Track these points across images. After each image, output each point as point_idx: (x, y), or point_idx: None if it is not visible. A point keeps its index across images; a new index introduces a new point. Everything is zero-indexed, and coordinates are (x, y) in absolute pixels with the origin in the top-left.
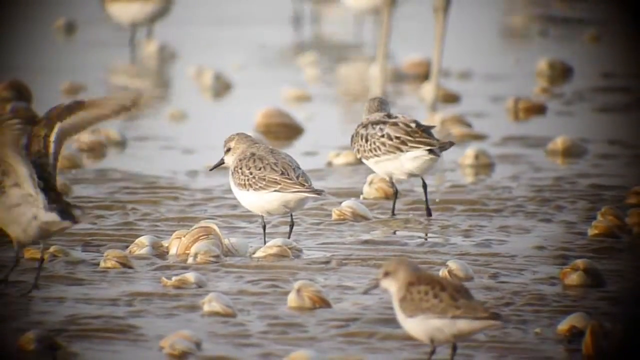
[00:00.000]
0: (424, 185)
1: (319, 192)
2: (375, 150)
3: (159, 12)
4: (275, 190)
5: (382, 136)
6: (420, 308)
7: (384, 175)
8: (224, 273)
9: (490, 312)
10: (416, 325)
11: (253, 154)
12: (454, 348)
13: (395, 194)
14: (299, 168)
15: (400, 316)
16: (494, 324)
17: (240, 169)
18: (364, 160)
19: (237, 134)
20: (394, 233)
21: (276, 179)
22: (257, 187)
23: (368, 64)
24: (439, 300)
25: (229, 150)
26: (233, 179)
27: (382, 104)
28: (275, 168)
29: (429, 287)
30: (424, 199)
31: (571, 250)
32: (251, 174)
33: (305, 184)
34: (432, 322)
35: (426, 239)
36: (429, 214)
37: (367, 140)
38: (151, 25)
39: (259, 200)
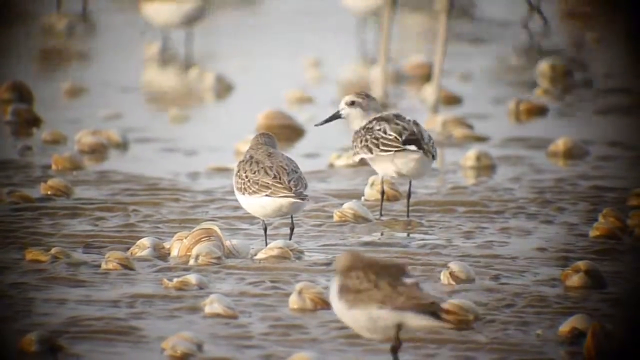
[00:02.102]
0: (409, 194)
1: (302, 196)
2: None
3: (195, 14)
4: (266, 195)
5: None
6: (360, 299)
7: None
8: (225, 275)
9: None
10: (357, 318)
11: (251, 157)
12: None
13: (382, 195)
14: (295, 172)
15: (340, 308)
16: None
17: (239, 172)
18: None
19: (258, 133)
20: (395, 235)
21: (268, 183)
22: (251, 191)
23: (369, 65)
24: (377, 288)
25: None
26: (234, 182)
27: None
28: (269, 172)
29: (364, 273)
30: (425, 199)
31: (572, 251)
32: (247, 177)
33: (293, 188)
34: (374, 313)
35: (427, 241)
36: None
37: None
38: (189, 28)
39: (254, 204)
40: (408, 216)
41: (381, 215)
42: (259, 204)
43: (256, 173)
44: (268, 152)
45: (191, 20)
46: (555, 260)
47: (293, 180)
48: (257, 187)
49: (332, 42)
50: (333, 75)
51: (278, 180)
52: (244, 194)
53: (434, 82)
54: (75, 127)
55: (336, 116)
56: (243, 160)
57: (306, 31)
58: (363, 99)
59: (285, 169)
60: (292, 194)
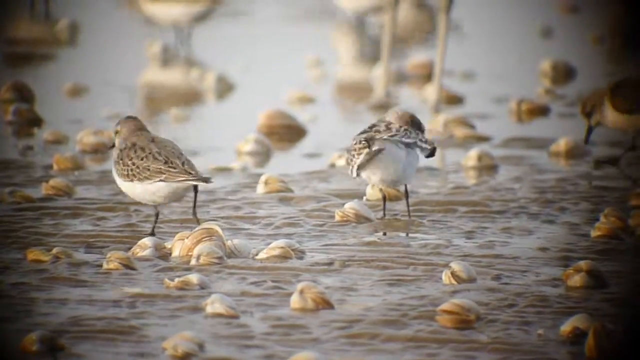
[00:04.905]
0: (406, 192)
1: (206, 179)
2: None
3: (203, 15)
4: (160, 180)
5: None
6: None
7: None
8: (226, 274)
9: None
10: None
11: (134, 144)
12: None
13: (384, 198)
14: (183, 155)
15: None
16: None
17: (122, 159)
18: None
19: (124, 117)
20: (397, 234)
21: (161, 168)
22: (141, 177)
23: (368, 65)
24: None
25: (116, 133)
26: (115, 170)
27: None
28: (159, 157)
29: None
30: (426, 199)
31: (574, 251)
32: (134, 164)
33: (192, 171)
34: None
35: (429, 241)
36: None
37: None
38: (194, 27)
39: (144, 191)
40: (410, 216)
41: (384, 215)
42: (151, 190)
43: (144, 159)
44: (150, 138)
45: (198, 20)
46: (557, 260)
47: (185, 164)
48: (148, 173)
49: (334, 41)
50: (334, 75)
51: (171, 164)
52: (132, 180)
53: (435, 81)
54: (76, 127)
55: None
56: (125, 148)
57: (307, 30)
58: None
59: (173, 153)
60: (194, 177)
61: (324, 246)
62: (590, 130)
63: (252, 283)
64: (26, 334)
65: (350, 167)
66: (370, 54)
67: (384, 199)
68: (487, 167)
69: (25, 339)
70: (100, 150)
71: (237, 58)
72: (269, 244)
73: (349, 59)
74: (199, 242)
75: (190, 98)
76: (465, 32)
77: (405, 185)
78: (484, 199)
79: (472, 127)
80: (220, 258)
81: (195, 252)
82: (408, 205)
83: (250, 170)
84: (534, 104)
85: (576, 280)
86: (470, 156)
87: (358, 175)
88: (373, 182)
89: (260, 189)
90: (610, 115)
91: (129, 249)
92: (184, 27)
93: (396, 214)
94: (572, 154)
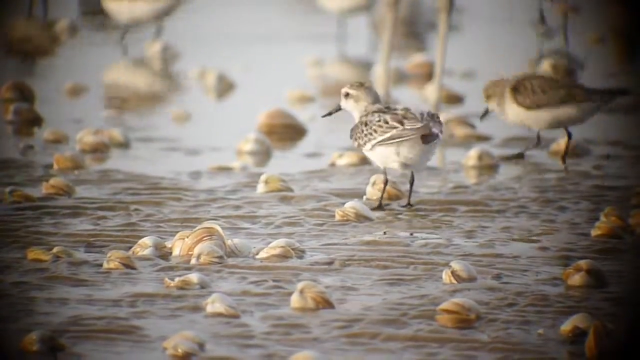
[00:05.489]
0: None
1: None
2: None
3: (166, 11)
4: None
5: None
6: None
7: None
8: (227, 274)
9: None
10: None
11: None
12: None
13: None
14: None
15: None
16: None
17: None
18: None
19: None
20: (397, 234)
21: None
22: None
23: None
24: None
25: None
26: None
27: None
28: None
29: None
30: (427, 199)
31: (574, 250)
32: None
33: None
34: None
35: (429, 240)
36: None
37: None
38: (159, 23)
39: None
40: (409, 204)
41: (380, 205)
42: None
43: None
44: None
45: (160, 17)
46: (557, 259)
47: None
48: None
49: (334, 41)
50: (335, 74)
51: None
52: None
53: (435, 81)
54: (76, 127)
55: (337, 108)
56: None
57: (307, 30)
58: (356, 89)
59: None
60: None
61: (324, 245)
62: (487, 111)
63: (252, 282)
64: (26, 333)
65: (368, 139)
66: (350, 53)
67: (385, 184)
68: (488, 166)
69: (25, 339)
70: (100, 150)
71: (238, 57)
72: (269, 243)
73: (337, 58)
74: (199, 241)
75: (190, 97)
76: (465, 31)
77: (412, 173)
78: (484, 198)
79: (472, 126)
80: (220, 257)
81: (196, 251)
82: (410, 194)
83: (251, 169)
84: None
85: (576, 279)
86: (471, 155)
87: (371, 149)
88: (388, 161)
89: (261, 188)
90: (510, 110)
91: (129, 248)
92: (146, 23)
93: (398, 213)
94: (572, 153)
